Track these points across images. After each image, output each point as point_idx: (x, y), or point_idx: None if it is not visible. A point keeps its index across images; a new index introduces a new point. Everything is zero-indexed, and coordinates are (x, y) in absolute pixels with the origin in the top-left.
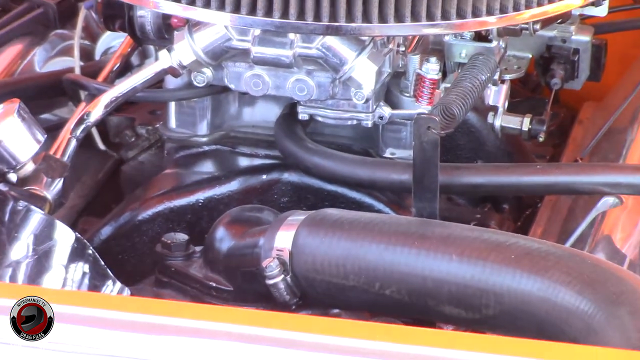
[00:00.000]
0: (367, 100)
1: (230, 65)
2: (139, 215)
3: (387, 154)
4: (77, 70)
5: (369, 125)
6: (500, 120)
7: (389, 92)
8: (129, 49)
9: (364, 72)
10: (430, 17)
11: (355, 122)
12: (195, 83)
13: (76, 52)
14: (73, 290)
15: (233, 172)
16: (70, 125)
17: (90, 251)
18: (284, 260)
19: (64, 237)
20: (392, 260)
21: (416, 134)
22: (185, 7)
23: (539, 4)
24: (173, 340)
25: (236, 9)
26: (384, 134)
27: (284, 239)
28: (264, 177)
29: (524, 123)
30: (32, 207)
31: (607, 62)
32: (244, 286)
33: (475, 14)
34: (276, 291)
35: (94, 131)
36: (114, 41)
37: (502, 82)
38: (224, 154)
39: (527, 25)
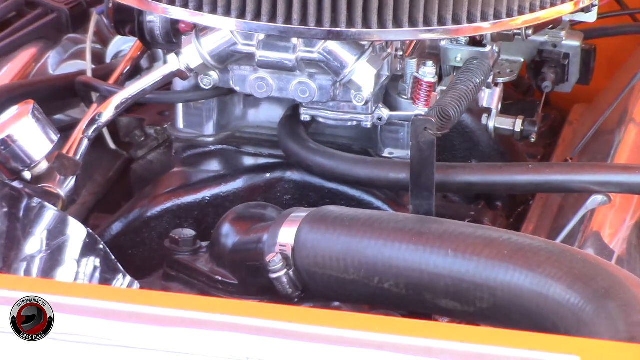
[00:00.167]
0: (366, 102)
1: (235, 69)
2: (148, 211)
3: (385, 154)
4: (89, 73)
5: (368, 126)
6: (494, 122)
7: (387, 95)
8: (139, 53)
9: (363, 75)
10: (427, 22)
11: (355, 123)
12: (202, 85)
13: (88, 56)
14: (83, 284)
15: (238, 171)
16: (82, 125)
17: (101, 246)
18: (286, 255)
19: (76, 232)
20: (390, 255)
21: (413, 135)
22: (192, 13)
23: (532, 11)
24: (181, 331)
25: (241, 14)
26: (382, 134)
27: (286, 235)
28: (268, 175)
29: (517, 124)
30: (46, 203)
31: (596, 66)
32: (249, 280)
33: (470, 20)
34: (279, 285)
35: (105, 131)
36: (124, 45)
37: (496, 85)
38: (230, 153)
39: (519, 31)
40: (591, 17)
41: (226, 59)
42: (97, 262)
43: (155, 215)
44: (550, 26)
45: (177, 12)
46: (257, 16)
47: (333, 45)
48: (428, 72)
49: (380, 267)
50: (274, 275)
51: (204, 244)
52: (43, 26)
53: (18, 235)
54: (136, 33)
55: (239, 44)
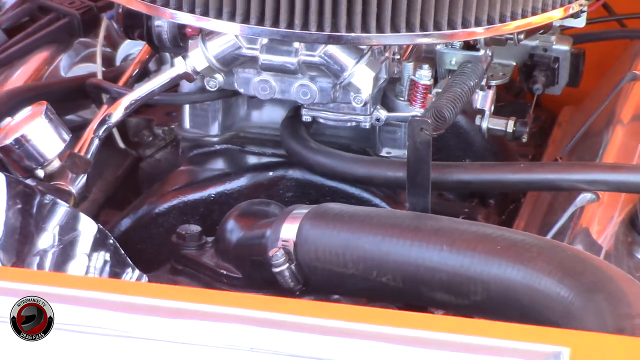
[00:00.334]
0: (365, 104)
1: (240, 71)
2: (156, 208)
3: (383, 153)
4: (100, 75)
5: (367, 127)
6: (487, 123)
7: (385, 97)
8: (147, 56)
9: (362, 78)
10: (423, 27)
11: (354, 123)
12: (207, 87)
13: (98, 59)
14: (96, 277)
15: (242, 169)
16: (93, 125)
17: (111, 241)
18: (289, 250)
19: (87, 228)
20: (388, 250)
21: (410, 135)
22: (198, 18)
23: (523, 16)
24: (187, 322)
25: (245, 19)
26: (380, 134)
27: (288, 231)
28: (271, 174)
29: (509, 125)
30: (58, 200)
31: (584, 70)
32: (252, 274)
33: (465, 25)
34: (281, 278)
35: (115, 131)
36: (133, 49)
37: (489, 87)
38: (234, 152)
39: (511, 36)
40: (580, 23)
41: (231, 62)
42: (107, 256)
43: (162, 211)
44: (541, 31)
45: (184, 17)
46: (260, 21)
47: (333, 49)
48: (424, 75)
49: (378, 261)
50: (277, 270)
51: (210, 239)
52: (55, 30)
53: (31, 231)
54: (145, 37)
55: (243, 48)
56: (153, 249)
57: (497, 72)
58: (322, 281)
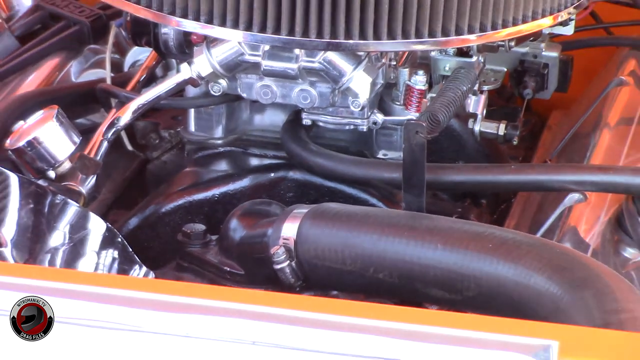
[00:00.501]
0: (362, 108)
1: (242, 77)
2: (162, 208)
3: (380, 155)
4: (108, 81)
5: (364, 130)
6: (479, 126)
7: (382, 101)
8: (154, 62)
9: (360, 83)
10: (418, 35)
11: (352, 127)
12: (212, 92)
13: (107, 65)
14: (103, 274)
15: (245, 171)
16: (102, 128)
17: (119, 239)
18: (289, 248)
19: (97, 227)
20: (384, 248)
21: (406, 138)
22: (203, 25)
23: (514, 24)
24: (192, 317)
25: (248, 27)
26: (377, 137)
27: (289, 229)
28: (272, 175)
29: (500, 128)
30: (69, 200)
31: (573, 75)
32: (255, 270)
33: (458, 32)
34: (282, 275)
35: (123, 134)
36: (140, 55)
37: (481, 92)
38: (237, 154)
39: (503, 43)
40: (569, 30)
41: (234, 68)
42: (116, 254)
43: (168, 211)
44: (531, 38)
45: (189, 25)
46: (262, 29)
47: (332, 56)
48: (419, 80)
49: (375, 259)
50: (278, 266)
51: (214, 237)
52: (66, 38)
53: (43, 229)
54: (152, 44)
55: (246, 54)
56: (159, 246)
57: (489, 78)
58: (322, 278)
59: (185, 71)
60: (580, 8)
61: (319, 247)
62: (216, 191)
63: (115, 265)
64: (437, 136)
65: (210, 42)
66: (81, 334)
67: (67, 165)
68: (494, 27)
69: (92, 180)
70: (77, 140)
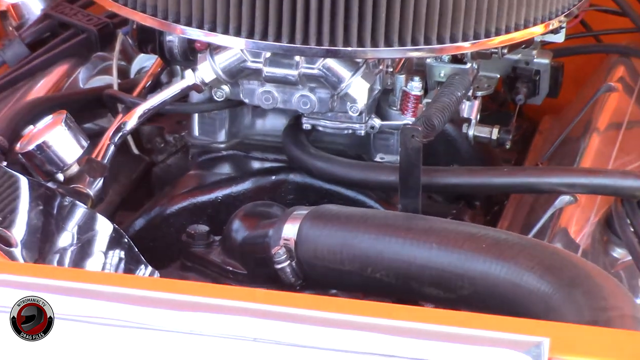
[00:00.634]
0: (360, 113)
1: (245, 83)
2: (167, 209)
3: (377, 159)
4: (115, 87)
5: (362, 134)
6: (473, 130)
7: (379, 106)
8: (159, 69)
9: (358, 89)
10: (414, 42)
11: (350, 131)
12: (215, 98)
13: (114, 71)
14: (112, 273)
15: (247, 174)
16: (109, 133)
17: (125, 240)
18: (290, 248)
19: (104, 227)
20: (381, 248)
21: (402, 142)
22: (207, 33)
23: (507, 32)
24: (196, 315)
25: (250, 35)
26: (374, 141)
27: (290, 230)
28: (273, 178)
29: (493, 133)
30: (77, 202)
31: (563, 82)
32: (256, 270)
33: (453, 40)
34: (283, 274)
35: (129, 138)
36: (146, 62)
37: (475, 98)
38: (239, 158)
39: (496, 50)
40: (559, 38)
41: (237, 74)
42: (122, 254)
43: (173, 212)
44: (523, 46)
45: (193, 33)
46: (264, 36)
47: (331, 63)
48: (415, 86)
49: (373, 259)
50: (279, 266)
51: (217, 238)
52: (74, 45)
53: (52, 230)
54: (157, 51)
55: (248, 61)
56: (164, 247)
57: (483, 84)
58: (321, 277)
59: (189, 77)
60: (570, 16)
61: (318, 248)
62: (219, 193)
63: (122, 264)
64: (433, 140)
65: (213, 49)
66: (82, 334)
67: (75, 168)
68: (487, 35)
69: (99, 183)
70: (85, 144)
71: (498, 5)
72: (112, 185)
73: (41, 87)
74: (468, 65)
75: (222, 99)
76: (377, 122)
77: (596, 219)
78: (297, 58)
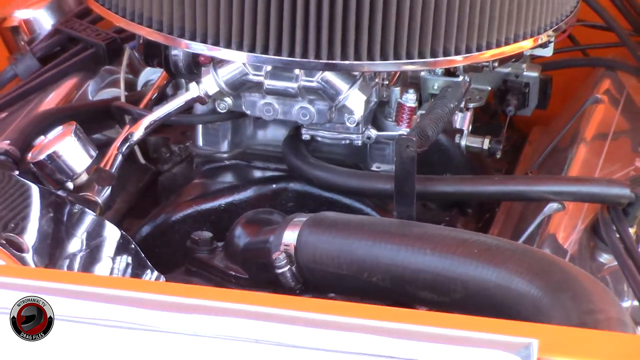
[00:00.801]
0: (357, 124)
1: (247, 95)
2: (173, 217)
3: (373, 168)
4: (123, 99)
5: (359, 144)
6: (465, 141)
7: (375, 118)
8: (165, 82)
9: (355, 101)
10: (409, 56)
11: (347, 141)
12: (218, 109)
13: (122, 84)
14: (118, 277)
15: (249, 182)
16: (117, 143)
17: (132, 246)
18: (290, 254)
19: (112, 234)
20: (377, 254)
21: (397, 152)
22: (210, 48)
23: (497, 46)
24: (200, 317)
25: (252, 49)
26: (371, 151)
27: (290, 237)
28: (274, 186)
29: (485, 143)
30: (86, 209)
31: (552, 94)
32: (258, 274)
33: (446, 54)
34: (284, 279)
35: (136, 148)
36: (152, 75)
37: (467, 109)
38: (242, 167)
39: (487, 63)
40: (548, 52)
41: (239, 86)
42: (129, 259)
43: (178, 219)
44: (513, 59)
45: (197, 47)
46: (265, 50)
47: (329, 76)
48: (410, 98)
49: (369, 264)
50: (279, 271)
51: (220, 244)
52: (83, 59)
53: (62, 236)
54: (163, 65)
55: (249, 74)
56: (170, 252)
57: (475, 96)
58: (320, 281)
59: (193, 90)
60: (559, 31)
61: (317, 253)
62: (222, 201)
63: (129, 270)
64: (427, 150)
65: (216, 63)
66: (82, 334)
67: (84, 177)
68: (479, 49)
69: (107, 191)
70: (93, 154)
71: (489, 21)
72: (119, 193)
73: (52, 100)
74: (460, 78)
75: (225, 110)
76: (373, 132)
77: (583, 225)
78: (296, 71)
